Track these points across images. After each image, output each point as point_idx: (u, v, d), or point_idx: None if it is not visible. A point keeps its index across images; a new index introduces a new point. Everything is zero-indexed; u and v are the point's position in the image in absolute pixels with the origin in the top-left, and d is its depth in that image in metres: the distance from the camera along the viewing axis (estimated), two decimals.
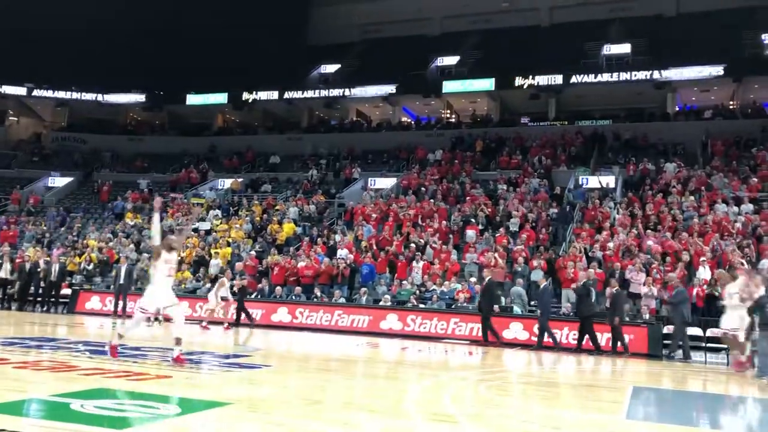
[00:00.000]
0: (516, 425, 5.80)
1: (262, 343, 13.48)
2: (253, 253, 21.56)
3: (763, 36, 30.01)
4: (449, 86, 32.98)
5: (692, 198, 21.20)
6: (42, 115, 39.25)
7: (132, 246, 23.12)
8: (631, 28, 33.54)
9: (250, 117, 38.09)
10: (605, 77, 30.18)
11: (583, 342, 14.30)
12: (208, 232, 24.22)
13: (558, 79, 30.72)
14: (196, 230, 24.30)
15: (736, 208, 20.33)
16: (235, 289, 17.36)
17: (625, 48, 31.55)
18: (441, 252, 19.60)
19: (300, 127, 36.34)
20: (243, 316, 17.29)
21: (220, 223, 25.01)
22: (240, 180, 30.21)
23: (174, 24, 34.92)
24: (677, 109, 31.08)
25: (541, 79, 31.04)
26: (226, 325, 16.31)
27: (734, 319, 11.42)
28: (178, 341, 8.53)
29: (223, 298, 16.77)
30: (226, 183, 30.25)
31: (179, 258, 9.96)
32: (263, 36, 37.14)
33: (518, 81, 31.31)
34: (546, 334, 14.57)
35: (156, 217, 9.23)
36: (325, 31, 41.53)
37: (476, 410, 6.54)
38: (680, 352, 13.75)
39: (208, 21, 35.76)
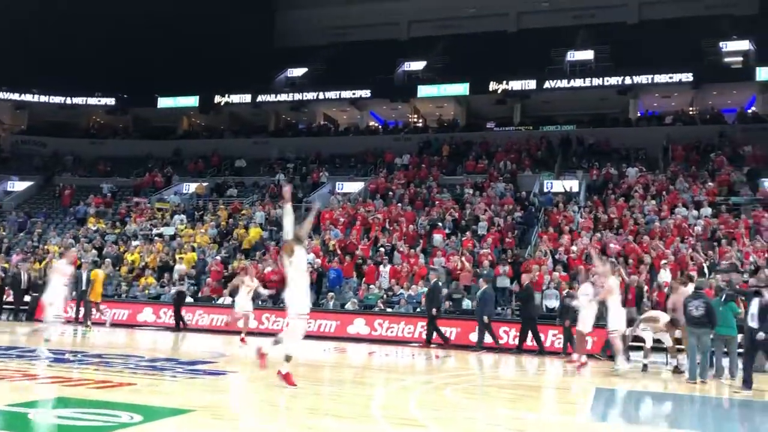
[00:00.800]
0: (483, 428, 5.85)
1: (227, 349, 13.35)
2: (218, 258, 21.34)
3: (721, 44, 30.81)
4: (425, 90, 33.09)
5: (653, 202, 21.65)
6: (0, 117, 38.31)
7: (94, 252, 22.67)
8: (595, 35, 34.16)
9: (216, 120, 37.72)
10: (570, 83, 30.66)
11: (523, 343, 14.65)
12: (172, 237, 23.89)
13: (529, 84, 31.12)
14: (160, 235, 23.96)
15: (695, 212, 20.83)
16: (173, 293, 17.01)
17: (588, 54, 32.09)
18: (408, 256, 19.66)
19: (267, 131, 36.12)
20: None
21: (185, 227, 24.70)
22: (205, 184, 29.88)
23: (143, 27, 34.43)
24: (639, 114, 31.70)
25: (512, 85, 31.43)
26: (242, 336, 14.36)
27: (619, 320, 11.36)
28: (288, 358, 7.56)
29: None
30: (191, 187, 29.90)
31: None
32: (232, 39, 36.87)
33: (492, 86, 31.64)
34: (486, 334, 14.90)
35: (288, 207, 8.09)
36: (292, 35, 41.43)
37: (443, 414, 6.58)
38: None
39: (177, 23, 35.33)
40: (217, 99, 35.52)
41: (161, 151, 34.58)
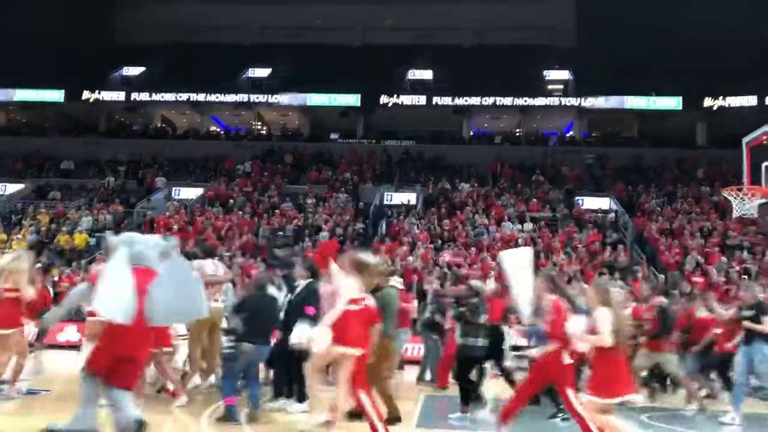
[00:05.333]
0: None
1: (44, 365, 12.24)
2: (38, 266, 19.54)
3: (545, 72, 33.65)
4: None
5: (483, 216, 23.10)
6: None
7: None
8: (434, 55, 35.77)
9: (39, 118, 34.71)
10: (409, 100, 31.94)
11: None
12: None
13: (371, 99, 31.99)
14: None
15: (520, 226, 22.51)
16: None
17: (428, 74, 33.60)
18: (248, 265, 19.28)
19: (98, 131, 33.85)
20: None
21: (0, 232, 22.44)
22: (24, 186, 27.38)
23: None
24: (472, 133, 33.68)
25: (355, 98, 32.13)
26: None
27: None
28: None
29: None
30: (8, 188, 27.24)
31: None
32: (64, 31, 34.00)
33: (337, 98, 32.20)
34: None
35: None
36: (132, 32, 39.15)
37: None
38: None
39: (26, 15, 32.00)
40: (40, 95, 32.66)
41: None
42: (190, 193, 26.97)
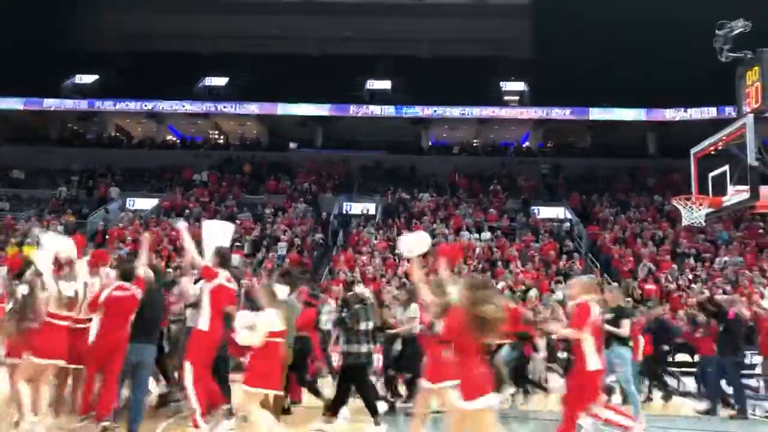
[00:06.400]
0: None
1: None
2: None
3: (501, 83, 34.16)
4: (228, 107, 32.41)
5: (442, 225, 23.26)
6: None
7: None
8: (393, 66, 36.00)
9: None
10: (368, 111, 32.03)
11: None
12: None
13: (328, 109, 32.00)
14: None
15: (477, 235, 22.74)
16: None
17: (386, 84, 33.77)
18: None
19: (50, 140, 33.00)
20: None
21: None
22: None
23: None
24: (430, 144, 33.94)
25: (312, 108, 32.10)
26: None
27: None
28: None
29: None
30: None
31: None
32: (21, 40, 33.11)
33: (296, 108, 32.12)
34: None
35: None
36: (85, 39, 38.36)
37: None
38: None
39: None
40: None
41: None
42: (145, 203, 26.50)
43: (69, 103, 32.49)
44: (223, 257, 7.05)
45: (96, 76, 34.34)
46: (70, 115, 33.48)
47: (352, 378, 7.79)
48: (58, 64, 34.78)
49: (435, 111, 31.91)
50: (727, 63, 9.71)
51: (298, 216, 24.57)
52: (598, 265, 21.05)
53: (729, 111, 26.07)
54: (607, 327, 8.42)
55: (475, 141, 34.89)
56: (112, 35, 38.52)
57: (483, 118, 32.44)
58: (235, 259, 20.58)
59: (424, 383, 6.14)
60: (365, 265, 19.79)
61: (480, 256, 20.79)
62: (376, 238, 22.37)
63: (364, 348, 7.59)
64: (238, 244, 21.38)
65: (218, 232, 7.51)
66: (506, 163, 30.73)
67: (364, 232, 22.89)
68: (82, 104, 32.44)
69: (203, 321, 6.79)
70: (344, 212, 25.98)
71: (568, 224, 24.79)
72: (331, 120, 32.73)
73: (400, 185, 28.06)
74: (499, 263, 20.18)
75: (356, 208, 26.36)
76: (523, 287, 17.76)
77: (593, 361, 6.18)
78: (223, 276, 6.89)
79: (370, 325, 7.83)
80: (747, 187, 9.44)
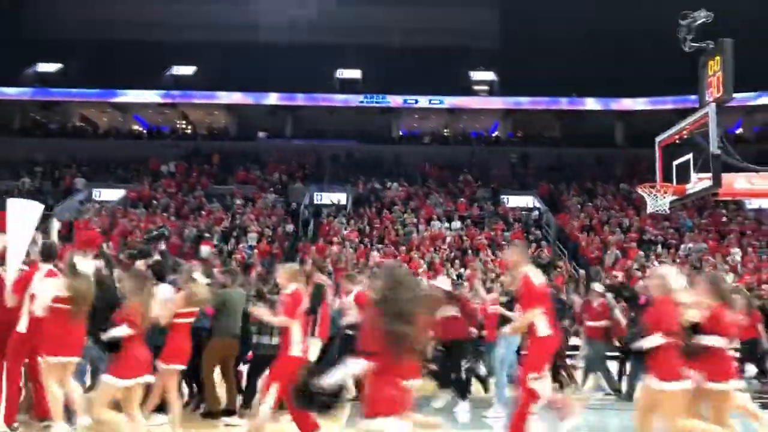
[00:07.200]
0: None
1: None
2: None
3: (471, 73, 34.25)
4: (195, 97, 31.80)
5: (412, 215, 23.31)
6: None
7: None
8: (362, 55, 35.80)
9: None
10: (338, 100, 31.89)
11: None
12: None
13: (298, 97, 31.81)
14: None
15: (448, 224, 22.84)
16: None
17: (356, 74, 33.62)
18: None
19: (11, 130, 32.19)
20: None
21: None
22: None
23: None
24: (401, 133, 33.93)
25: (283, 97, 31.82)
26: None
27: None
28: None
29: None
30: None
31: None
32: None
33: (264, 97, 31.88)
34: None
35: None
36: (46, 26, 37.37)
37: None
38: None
39: None
40: None
41: None
42: (111, 194, 26.06)
43: (30, 92, 31.73)
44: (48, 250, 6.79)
45: (59, 65, 33.57)
46: (32, 105, 32.67)
47: (262, 369, 7.65)
48: (18, 52, 33.91)
49: (405, 100, 31.89)
50: (690, 53, 9.85)
51: (268, 206, 24.40)
52: (566, 253, 21.33)
53: (693, 100, 26.58)
54: (502, 310, 8.63)
55: (445, 130, 34.97)
56: (73, 23, 37.57)
57: (453, 108, 32.54)
58: (205, 250, 20.41)
59: None
60: (336, 255, 19.72)
61: (451, 245, 20.90)
62: (346, 229, 22.34)
63: (275, 340, 7.39)
64: (207, 234, 21.20)
65: (23, 214, 7.09)
66: (476, 152, 30.87)
67: (335, 223, 22.83)
68: (44, 93, 31.71)
69: None
70: (315, 202, 25.87)
71: (536, 212, 25.05)
72: (301, 109, 32.51)
73: (370, 175, 28.02)
74: (470, 252, 20.31)
75: (327, 198, 26.27)
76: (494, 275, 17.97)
77: (542, 328, 6.09)
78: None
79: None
80: (710, 175, 9.59)
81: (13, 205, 7.14)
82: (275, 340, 7.33)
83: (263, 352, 7.62)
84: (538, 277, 6.24)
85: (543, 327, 6.06)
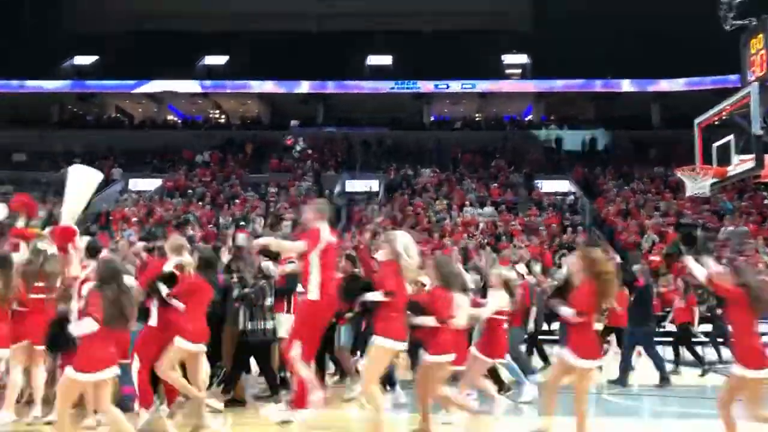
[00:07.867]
0: None
1: None
2: None
3: (503, 57, 33.86)
4: (228, 86, 32.14)
5: (445, 201, 23.23)
6: None
7: None
8: (393, 41, 35.64)
9: None
10: (369, 87, 31.85)
11: None
12: None
13: (330, 85, 31.81)
14: None
15: (481, 210, 22.71)
16: None
17: (387, 60, 33.50)
18: None
19: (50, 122, 32.93)
20: None
21: None
22: None
23: None
24: (432, 119, 33.76)
25: (315, 85, 31.90)
26: None
27: None
28: None
29: None
30: None
31: None
32: (18, 20, 32.88)
33: (297, 85, 31.96)
34: None
35: None
36: (82, 20, 38.01)
37: None
38: None
39: None
40: None
41: None
42: (147, 184, 26.52)
43: (68, 86, 32.37)
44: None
45: (95, 57, 34.16)
46: (69, 98, 33.33)
47: (256, 356, 7.72)
48: (55, 45, 34.59)
49: (436, 86, 31.70)
50: (731, 31, 9.60)
51: (301, 194, 24.55)
52: (602, 237, 21.05)
53: (734, 80, 25.84)
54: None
55: (477, 115, 34.69)
56: (109, 15, 38.14)
57: (485, 92, 32.24)
58: (241, 237, 20.62)
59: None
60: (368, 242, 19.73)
61: (484, 231, 20.79)
62: (378, 216, 22.35)
63: (269, 324, 7.48)
64: (242, 223, 21.43)
65: (84, 180, 7.25)
66: (509, 137, 30.57)
67: (368, 209, 22.87)
68: (81, 86, 32.31)
69: None
70: (347, 189, 25.95)
71: (572, 197, 24.73)
72: (332, 97, 32.56)
73: (402, 161, 27.97)
74: (503, 238, 20.17)
75: (359, 185, 26.33)
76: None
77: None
78: None
79: (272, 301, 7.67)
80: (752, 156, 9.38)
81: (75, 170, 7.37)
82: (270, 325, 7.44)
83: (254, 337, 7.42)
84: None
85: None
